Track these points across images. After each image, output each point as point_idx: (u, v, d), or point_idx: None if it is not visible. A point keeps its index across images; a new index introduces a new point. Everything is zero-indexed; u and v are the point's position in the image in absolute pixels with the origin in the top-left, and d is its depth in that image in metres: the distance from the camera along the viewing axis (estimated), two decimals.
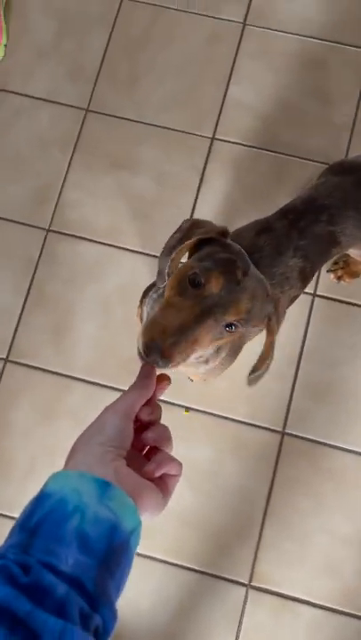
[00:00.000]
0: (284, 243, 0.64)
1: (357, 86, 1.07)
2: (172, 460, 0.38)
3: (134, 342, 0.98)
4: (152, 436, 0.39)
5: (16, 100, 1.09)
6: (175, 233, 0.57)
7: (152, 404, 0.40)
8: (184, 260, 0.59)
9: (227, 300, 0.50)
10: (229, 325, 0.51)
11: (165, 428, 0.39)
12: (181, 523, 0.93)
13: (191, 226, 0.56)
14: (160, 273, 0.57)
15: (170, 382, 0.42)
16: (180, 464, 0.38)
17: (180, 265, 0.57)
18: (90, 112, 1.08)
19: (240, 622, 0.90)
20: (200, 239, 0.55)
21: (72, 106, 1.09)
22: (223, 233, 0.54)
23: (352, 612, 0.90)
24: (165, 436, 0.39)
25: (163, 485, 0.37)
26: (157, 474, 0.37)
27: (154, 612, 0.90)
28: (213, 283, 0.49)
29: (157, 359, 0.46)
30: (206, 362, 0.71)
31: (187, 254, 0.58)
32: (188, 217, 1.04)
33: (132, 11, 1.12)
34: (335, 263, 0.97)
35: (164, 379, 0.42)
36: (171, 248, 0.56)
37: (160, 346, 0.46)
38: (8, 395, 0.98)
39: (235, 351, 0.71)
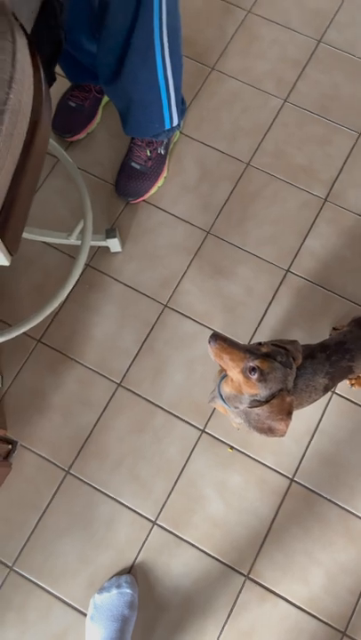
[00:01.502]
0: (319, 368, 1.08)
1: None
2: None
3: (207, 392, 1.43)
4: None
5: (162, 214, 1.60)
6: (281, 339, 1.02)
7: None
8: None
9: (262, 357, 0.91)
10: (253, 369, 0.89)
11: None
12: (212, 524, 1.34)
13: (293, 341, 1.01)
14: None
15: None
16: None
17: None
18: (209, 234, 1.58)
19: (235, 602, 1.29)
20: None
21: (199, 227, 1.59)
22: (296, 358, 0.97)
23: (312, 612, 1.28)
24: None
25: None
26: None
27: (176, 580, 1.30)
28: (265, 348, 0.93)
29: (211, 337, 0.90)
30: (240, 416, 1.04)
31: None
32: (260, 318, 1.50)
33: (253, 175, 1.63)
34: None
35: None
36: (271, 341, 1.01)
37: (217, 335, 0.91)
38: (116, 408, 1.42)
39: (258, 428, 1.02)
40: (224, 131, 1.68)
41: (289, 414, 0.94)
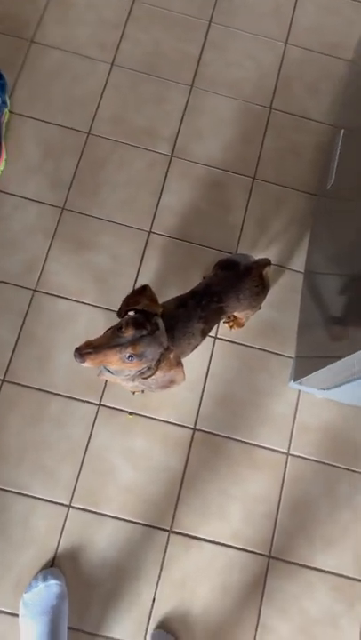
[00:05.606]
0: (192, 314, 1.03)
1: (240, 220, 1.53)
2: None
3: (95, 367, 1.35)
4: None
5: (13, 199, 1.47)
6: (133, 291, 0.95)
7: None
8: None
9: (130, 342, 0.86)
10: (130, 356, 0.86)
11: None
12: (126, 491, 1.28)
13: (143, 289, 0.94)
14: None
15: None
16: None
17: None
18: (65, 210, 1.48)
19: (163, 557, 1.25)
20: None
21: (52, 205, 1.47)
22: (155, 313, 0.92)
23: (237, 545, 1.28)
24: None
25: None
26: None
27: (103, 555, 1.24)
28: (128, 332, 0.87)
29: (77, 357, 0.82)
30: (133, 380, 1.01)
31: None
32: (133, 283, 1.44)
33: (96, 143, 1.54)
34: (228, 318, 1.40)
35: None
36: (126, 300, 0.95)
37: (81, 351, 0.83)
38: (5, 405, 1.31)
39: (161, 387, 1.02)
40: (57, 103, 1.56)
41: (179, 364, 0.94)
